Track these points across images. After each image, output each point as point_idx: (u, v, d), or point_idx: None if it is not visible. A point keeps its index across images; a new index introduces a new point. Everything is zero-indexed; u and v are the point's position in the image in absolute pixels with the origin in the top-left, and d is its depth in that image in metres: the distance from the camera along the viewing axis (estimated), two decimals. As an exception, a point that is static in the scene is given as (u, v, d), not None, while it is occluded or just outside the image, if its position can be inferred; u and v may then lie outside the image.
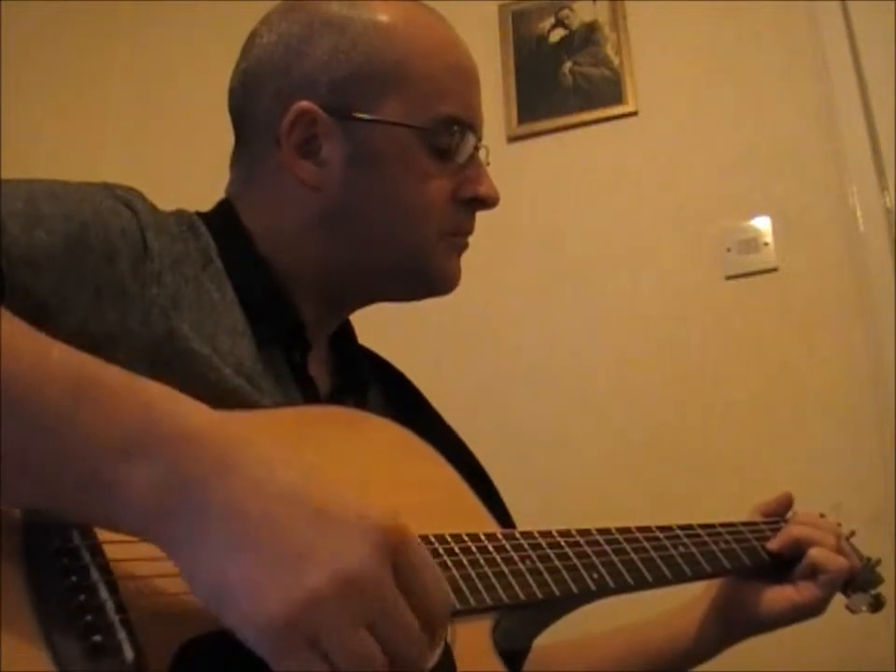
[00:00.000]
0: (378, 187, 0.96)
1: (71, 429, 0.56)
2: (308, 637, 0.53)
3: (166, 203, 0.99)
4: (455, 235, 1.01)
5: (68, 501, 0.57)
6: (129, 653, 0.55)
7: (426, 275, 1.01)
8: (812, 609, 1.10)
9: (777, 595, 1.10)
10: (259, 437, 0.60)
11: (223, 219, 0.98)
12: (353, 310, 1.07)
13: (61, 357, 0.59)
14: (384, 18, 0.97)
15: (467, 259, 1.05)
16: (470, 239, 1.05)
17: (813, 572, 1.09)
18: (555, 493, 2.04)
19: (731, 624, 1.13)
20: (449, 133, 0.97)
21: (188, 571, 0.57)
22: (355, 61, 0.95)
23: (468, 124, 0.98)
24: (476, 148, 1.01)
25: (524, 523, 0.89)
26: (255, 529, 0.55)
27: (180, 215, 0.96)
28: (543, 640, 1.00)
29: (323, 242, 0.97)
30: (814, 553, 1.09)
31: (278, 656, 0.54)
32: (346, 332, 1.09)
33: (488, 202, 1.01)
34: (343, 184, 0.96)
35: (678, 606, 1.19)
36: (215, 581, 0.55)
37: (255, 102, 0.99)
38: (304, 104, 0.94)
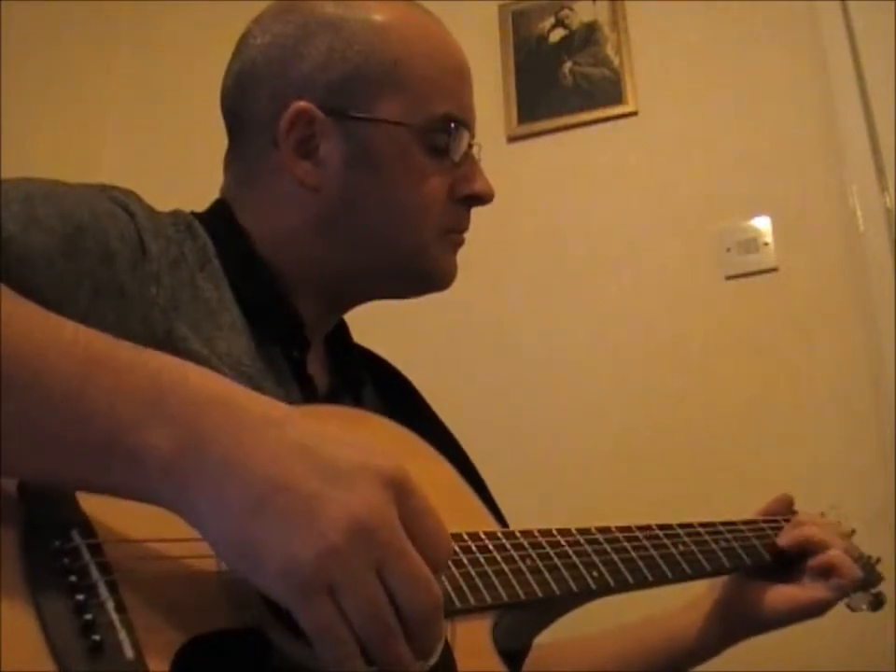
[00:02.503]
0: (376, 186, 0.97)
1: (84, 404, 0.58)
2: (328, 585, 0.56)
3: (166, 203, 0.99)
4: (452, 232, 1.02)
5: (88, 472, 0.59)
6: (129, 652, 0.55)
7: (424, 273, 1.02)
8: (816, 610, 1.10)
9: (781, 595, 1.10)
10: (267, 399, 0.63)
11: (220, 220, 0.99)
12: (351, 307, 1.08)
13: (71, 335, 0.61)
14: (378, 17, 0.98)
15: (467, 259, 1.06)
16: (471, 239, 1.05)
17: (827, 574, 1.09)
18: (555, 493, 2.05)
19: (733, 623, 1.13)
20: (445, 132, 0.98)
21: (209, 532, 0.58)
22: (352, 61, 0.96)
23: (462, 122, 0.99)
24: (470, 146, 1.01)
25: (523, 522, 0.89)
26: (271, 485, 0.57)
27: (177, 215, 0.96)
28: (544, 639, 1.00)
29: (321, 241, 0.98)
30: (833, 556, 1.09)
31: (301, 606, 0.56)
32: (341, 332, 1.09)
33: (484, 198, 1.02)
34: (341, 184, 0.96)
35: (680, 605, 1.19)
36: (236, 539, 0.57)
37: (250, 103, 0.99)
38: (302, 104, 0.95)
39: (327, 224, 0.97)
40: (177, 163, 2.57)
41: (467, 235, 1.05)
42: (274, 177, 0.98)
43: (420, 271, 1.02)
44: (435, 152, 0.98)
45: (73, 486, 0.61)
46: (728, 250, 2.15)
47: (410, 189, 0.97)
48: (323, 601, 0.56)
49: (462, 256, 1.05)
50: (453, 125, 0.98)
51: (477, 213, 1.05)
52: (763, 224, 2.15)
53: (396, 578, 0.58)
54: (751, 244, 2.14)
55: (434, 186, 0.98)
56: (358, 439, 0.62)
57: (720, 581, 1.14)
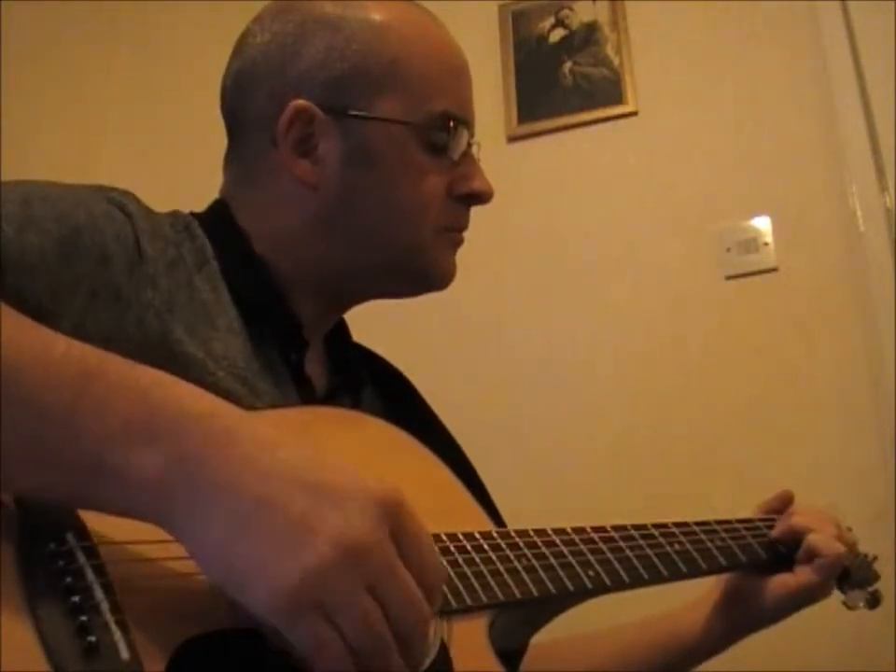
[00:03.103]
0: (375, 184, 0.97)
1: (74, 421, 0.58)
2: (316, 604, 0.56)
3: (166, 204, 0.99)
4: (451, 231, 1.02)
5: (78, 488, 0.59)
6: (125, 653, 0.55)
7: (423, 272, 1.02)
8: (809, 595, 1.11)
9: (776, 585, 1.11)
10: (258, 420, 0.63)
11: (218, 220, 0.99)
12: (350, 307, 1.08)
13: (62, 351, 0.61)
14: (376, 16, 0.98)
15: (467, 259, 1.05)
16: (471, 239, 1.05)
17: (810, 557, 1.10)
18: (555, 493, 2.04)
19: (735, 619, 1.14)
20: (444, 129, 0.98)
21: (197, 551, 0.58)
22: (350, 59, 0.96)
23: (461, 120, 0.99)
24: (469, 144, 1.01)
25: (523, 522, 0.89)
26: (259, 505, 0.57)
27: (175, 216, 0.96)
28: (542, 638, 1.00)
29: (320, 240, 0.98)
30: (811, 538, 1.10)
31: (289, 625, 0.56)
32: (341, 331, 1.09)
33: (482, 197, 1.02)
34: (339, 182, 0.96)
35: (683, 604, 1.19)
36: (224, 559, 0.57)
37: (249, 102, 1.00)
38: (301, 102, 0.95)
39: (325, 223, 0.97)
40: (177, 163, 2.57)
41: (466, 235, 1.05)
42: (273, 177, 0.98)
43: (419, 269, 1.01)
44: (434, 150, 0.98)
45: (64, 503, 0.61)
46: (728, 250, 2.15)
47: (408, 187, 0.97)
48: (311, 620, 0.56)
49: (462, 256, 1.05)
50: (451, 123, 0.98)
51: (477, 213, 1.05)
52: (763, 224, 2.14)
53: (387, 597, 0.58)
54: (751, 244, 2.14)
55: (432, 184, 0.98)
56: (353, 465, 0.61)
57: (721, 580, 1.15)
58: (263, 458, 0.59)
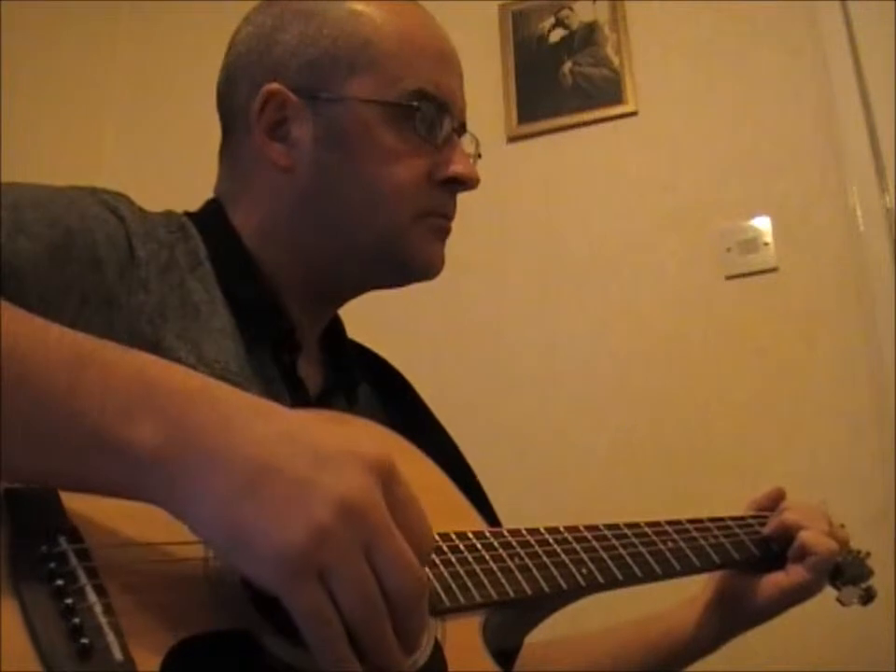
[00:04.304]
0: (347, 166, 0.95)
1: (72, 403, 0.58)
2: (318, 567, 0.56)
3: (166, 204, 0.99)
4: (431, 216, 0.99)
5: (78, 469, 0.59)
6: (118, 655, 0.54)
7: (404, 259, 0.99)
8: (802, 592, 1.11)
9: (768, 584, 1.11)
10: (250, 396, 0.63)
11: (211, 219, 0.99)
12: (341, 303, 1.07)
13: (57, 337, 0.61)
14: (355, 6, 0.98)
15: (467, 259, 1.05)
16: (471, 238, 1.04)
17: (802, 554, 1.10)
18: (555, 493, 2.05)
19: (728, 617, 1.14)
20: (417, 109, 0.95)
21: (197, 520, 0.58)
22: (321, 43, 0.96)
23: (440, 102, 0.97)
24: (457, 132, 1.00)
25: (523, 522, 0.89)
26: (257, 473, 0.57)
27: (169, 217, 0.96)
28: (539, 637, 1.00)
29: (301, 229, 0.97)
30: (803, 535, 1.10)
31: (293, 589, 0.56)
32: (336, 329, 1.09)
33: (464, 181, 0.99)
34: (313, 165, 0.96)
35: (676, 603, 1.19)
36: (225, 524, 0.57)
37: (234, 94, 1.01)
38: (273, 86, 0.95)
39: (302, 208, 0.97)
40: (177, 163, 2.57)
41: (466, 235, 1.03)
42: (253, 165, 0.98)
43: (398, 256, 0.98)
44: (409, 132, 0.96)
45: (62, 485, 0.61)
46: (728, 250, 2.15)
47: (380, 169, 0.95)
48: (313, 585, 0.56)
49: (462, 255, 1.04)
50: (426, 101, 0.96)
51: (477, 212, 1.04)
52: (763, 224, 2.15)
53: (383, 560, 0.58)
54: (751, 244, 2.14)
55: (406, 166, 0.96)
56: (344, 430, 0.62)
57: (714, 579, 1.15)
58: (258, 424, 0.59)
